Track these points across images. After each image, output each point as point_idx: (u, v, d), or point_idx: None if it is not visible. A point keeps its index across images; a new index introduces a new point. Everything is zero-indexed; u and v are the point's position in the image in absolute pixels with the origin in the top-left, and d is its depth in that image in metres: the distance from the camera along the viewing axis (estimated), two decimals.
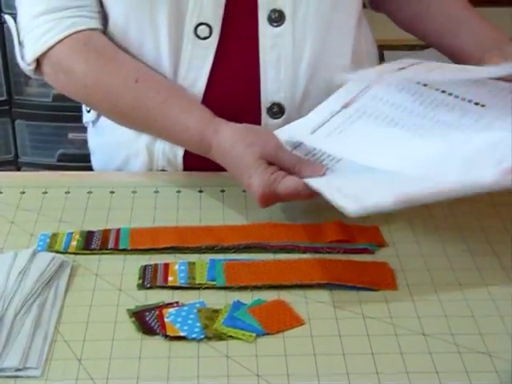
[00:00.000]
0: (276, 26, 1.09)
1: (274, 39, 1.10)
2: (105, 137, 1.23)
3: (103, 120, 1.21)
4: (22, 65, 1.13)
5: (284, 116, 1.13)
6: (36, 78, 1.16)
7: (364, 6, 1.22)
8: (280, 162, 0.99)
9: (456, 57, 1.17)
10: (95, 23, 1.11)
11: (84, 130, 1.34)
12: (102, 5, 1.13)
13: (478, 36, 1.14)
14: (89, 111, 1.24)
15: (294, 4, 1.08)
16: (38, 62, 1.12)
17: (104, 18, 1.14)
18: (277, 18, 1.09)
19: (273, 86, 1.11)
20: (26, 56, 1.12)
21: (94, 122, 1.24)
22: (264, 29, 1.09)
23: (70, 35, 1.09)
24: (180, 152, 1.14)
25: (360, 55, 1.20)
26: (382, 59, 2.04)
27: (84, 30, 1.10)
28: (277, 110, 1.13)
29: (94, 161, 1.29)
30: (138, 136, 1.16)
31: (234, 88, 1.10)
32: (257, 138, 1.01)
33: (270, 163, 0.99)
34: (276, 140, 1.01)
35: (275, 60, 1.10)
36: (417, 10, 1.22)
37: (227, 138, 1.02)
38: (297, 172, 0.99)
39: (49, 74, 1.13)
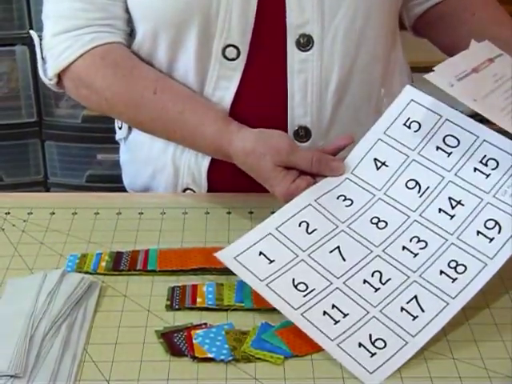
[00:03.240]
0: (304, 51, 1.09)
1: (301, 64, 1.10)
2: (133, 153, 1.25)
3: (133, 136, 1.23)
4: (44, 79, 1.16)
5: (310, 140, 1.13)
6: (58, 91, 1.19)
7: (403, 27, 1.21)
8: (296, 165, 1.00)
9: None
10: (115, 37, 1.13)
11: (112, 150, 1.35)
12: (128, 23, 1.15)
13: None
14: (120, 128, 1.25)
15: (322, 29, 1.09)
16: (60, 76, 1.15)
17: (130, 34, 1.16)
18: (305, 42, 1.09)
19: (299, 110, 1.12)
20: (47, 71, 1.15)
21: (125, 139, 1.26)
22: (292, 53, 1.09)
23: (89, 51, 1.12)
24: (204, 168, 1.15)
25: (391, 80, 1.20)
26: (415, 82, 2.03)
27: (103, 45, 1.12)
28: (303, 134, 1.13)
29: (124, 177, 1.31)
30: (165, 151, 1.17)
31: (260, 110, 1.10)
32: (268, 147, 1.01)
33: (289, 168, 1.00)
34: (287, 144, 1.01)
35: (302, 84, 1.11)
36: (460, 34, 1.20)
37: (240, 150, 1.03)
38: (316, 173, 1.00)
39: (70, 88, 1.16)
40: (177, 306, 0.92)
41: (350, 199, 0.98)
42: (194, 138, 1.09)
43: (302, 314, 0.88)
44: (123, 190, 1.31)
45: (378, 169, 0.99)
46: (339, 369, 0.84)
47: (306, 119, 1.12)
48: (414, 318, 0.86)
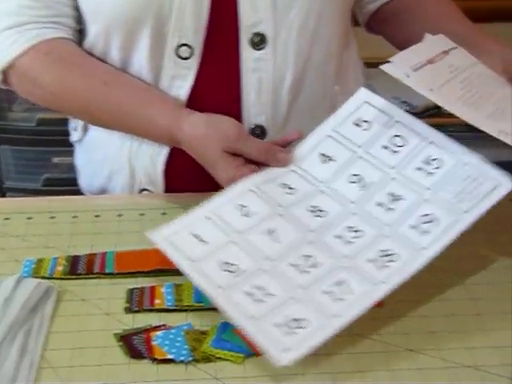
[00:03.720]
0: (258, 50, 1.10)
1: (255, 63, 1.10)
2: (89, 154, 1.24)
3: (89, 137, 1.23)
4: None
5: (266, 138, 1.13)
6: (5, 87, 1.18)
7: (356, 23, 1.22)
8: (243, 153, 1.01)
9: None
10: (61, 33, 1.13)
11: (68, 153, 1.34)
12: (77, 21, 1.14)
13: (478, 50, 1.13)
14: (75, 129, 1.24)
15: (275, 28, 1.09)
16: (6, 73, 1.14)
17: (80, 31, 1.15)
18: (259, 41, 1.09)
19: (255, 108, 1.12)
20: None
21: (81, 140, 1.25)
22: (245, 52, 1.10)
23: (34, 46, 1.11)
24: (160, 168, 1.15)
25: (345, 77, 1.20)
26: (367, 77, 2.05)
27: (48, 40, 1.11)
28: (259, 133, 1.13)
29: (80, 179, 1.30)
30: (120, 152, 1.17)
31: (215, 109, 1.10)
32: (216, 132, 1.01)
33: (236, 154, 1.00)
34: (236, 130, 1.01)
35: (257, 83, 1.11)
36: (414, 31, 1.20)
37: (189, 134, 1.04)
38: (263, 162, 1.01)
39: (16, 84, 1.15)
40: (136, 308, 0.92)
41: (292, 188, 0.98)
42: (147, 126, 1.08)
43: (225, 294, 0.88)
44: (81, 193, 1.30)
45: (323, 163, 1.00)
46: (299, 366, 0.83)
47: (261, 118, 1.12)
48: (338, 299, 0.86)
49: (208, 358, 0.85)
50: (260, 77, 1.11)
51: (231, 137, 1.01)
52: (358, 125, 1.01)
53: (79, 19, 1.14)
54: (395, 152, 0.98)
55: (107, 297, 0.94)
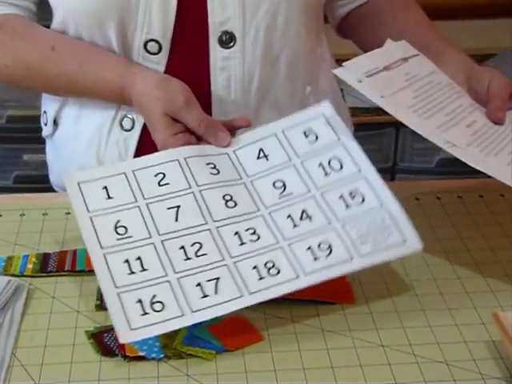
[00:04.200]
0: (226, 48, 1.10)
1: (224, 61, 1.10)
2: (59, 150, 1.24)
3: (59, 133, 1.22)
4: None
5: (235, 136, 1.13)
6: None
7: (328, 21, 1.21)
8: (183, 121, 1.01)
9: None
10: (15, 11, 1.14)
11: (39, 150, 1.33)
12: (37, 5, 1.15)
13: (442, 58, 1.13)
14: (46, 124, 1.24)
15: (244, 26, 1.09)
16: None
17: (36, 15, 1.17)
18: (227, 39, 1.09)
19: (223, 107, 1.12)
20: None
21: (51, 135, 1.24)
22: (214, 50, 1.10)
23: None
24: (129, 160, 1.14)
25: (316, 77, 1.20)
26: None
27: (1, 16, 1.12)
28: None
29: (51, 175, 1.30)
30: (89, 148, 1.17)
31: None
32: (164, 93, 1.02)
33: (176, 120, 1.01)
34: (184, 97, 1.02)
35: (226, 82, 1.11)
36: (382, 37, 1.20)
37: (140, 89, 1.05)
38: (201, 135, 1.01)
39: None
40: (106, 306, 0.91)
41: (217, 170, 0.99)
42: (97, 86, 1.09)
43: (104, 255, 0.89)
44: (52, 190, 1.30)
45: (258, 158, 1.01)
46: (271, 362, 0.84)
47: (230, 116, 1.12)
48: (205, 296, 0.86)
49: (179, 355, 0.85)
50: (229, 76, 1.11)
51: (177, 102, 1.01)
52: (306, 134, 1.01)
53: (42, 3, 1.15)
54: (327, 174, 0.97)
55: (78, 294, 0.94)
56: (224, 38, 1.09)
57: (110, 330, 0.87)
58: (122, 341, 0.82)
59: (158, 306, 0.85)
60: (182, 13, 1.07)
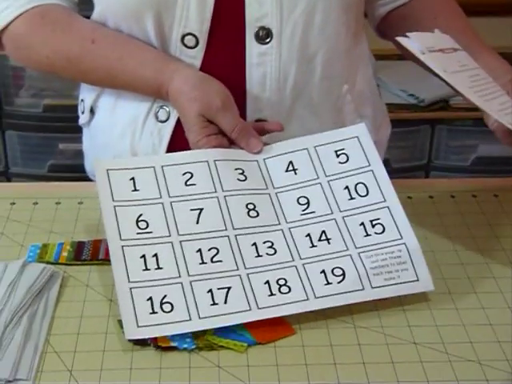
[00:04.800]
0: (263, 44, 1.09)
1: (260, 57, 1.10)
2: (94, 138, 1.25)
3: (95, 121, 1.23)
4: None
5: (268, 134, 1.13)
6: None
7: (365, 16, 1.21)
8: (219, 124, 1.02)
9: None
10: (58, 0, 1.14)
11: (74, 140, 1.34)
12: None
13: (481, 62, 1.12)
14: (83, 112, 1.25)
15: (281, 23, 1.08)
16: (0, 38, 1.15)
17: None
18: (264, 35, 1.09)
19: (258, 103, 1.12)
20: None
21: (88, 124, 1.25)
22: (250, 45, 1.09)
23: (27, 11, 1.12)
24: (162, 153, 1.14)
25: (354, 76, 1.19)
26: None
27: (42, 5, 1.13)
28: None
29: (86, 163, 1.31)
30: (123, 137, 1.17)
31: None
32: (202, 94, 1.03)
33: (211, 122, 1.02)
34: (222, 100, 1.02)
35: (261, 78, 1.10)
36: None
37: (177, 87, 1.05)
38: (233, 139, 1.02)
39: (10, 49, 1.17)
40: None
41: (245, 176, 0.99)
42: (135, 81, 1.09)
43: (122, 246, 0.90)
44: (85, 179, 1.30)
45: (286, 171, 1.00)
46: (302, 356, 0.84)
47: (264, 113, 1.11)
48: (214, 304, 0.87)
49: (211, 347, 0.85)
50: (264, 72, 1.10)
51: (214, 105, 1.02)
52: (337, 154, 1.01)
53: None
54: (352, 198, 0.97)
55: (111, 283, 0.94)
56: (260, 34, 1.09)
57: None
58: (128, 337, 0.84)
59: (167, 307, 0.86)
60: (220, 7, 1.07)
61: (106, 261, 0.97)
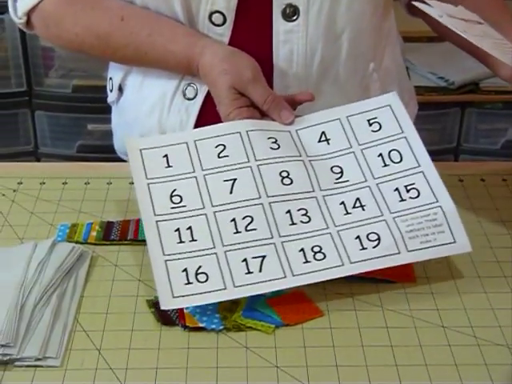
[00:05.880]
0: (290, 21, 1.09)
1: (287, 34, 1.09)
2: (122, 116, 1.26)
3: (123, 99, 1.24)
4: (15, 19, 1.17)
5: (295, 110, 1.12)
6: (29, 32, 1.20)
7: None
8: (250, 96, 1.02)
9: (487, 65, 1.13)
10: None
11: (103, 120, 1.35)
12: None
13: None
14: (111, 90, 1.25)
15: (308, 0, 1.08)
16: (30, 16, 1.16)
17: None
18: (291, 12, 1.09)
19: (285, 80, 1.11)
20: (17, 11, 1.16)
21: (116, 102, 1.26)
22: (277, 23, 1.09)
23: None
24: (190, 130, 1.15)
25: (381, 54, 1.19)
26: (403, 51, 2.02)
27: None
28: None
29: (115, 141, 1.32)
30: (151, 114, 1.17)
31: None
32: (232, 67, 1.03)
33: (242, 94, 1.02)
34: (253, 72, 1.03)
35: (288, 55, 1.10)
36: None
37: (207, 62, 1.06)
38: (265, 111, 1.02)
39: (39, 27, 1.17)
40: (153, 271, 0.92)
41: (278, 144, 0.98)
42: (165, 57, 1.10)
43: (157, 222, 0.90)
44: (114, 159, 1.31)
45: (319, 141, 1.00)
46: (330, 338, 0.84)
47: (291, 90, 1.11)
48: (249, 272, 0.87)
49: (239, 327, 0.85)
50: (291, 49, 1.10)
51: (245, 77, 1.02)
52: (370, 123, 1.01)
53: None
54: (386, 165, 0.97)
55: (140, 264, 0.95)
56: (287, 11, 1.09)
57: None
58: (163, 307, 0.84)
59: (202, 277, 0.86)
60: None
61: (135, 241, 0.98)
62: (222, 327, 0.85)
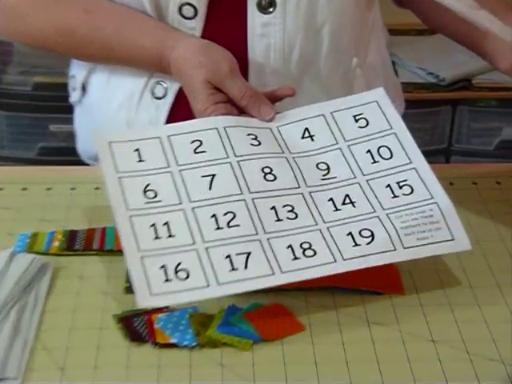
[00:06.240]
0: (266, 14, 1.09)
1: (263, 27, 1.10)
2: (88, 116, 1.26)
3: (87, 99, 1.24)
4: None
5: (279, 102, 1.13)
6: None
7: None
8: (227, 91, 1.02)
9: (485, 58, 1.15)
10: None
11: (67, 120, 1.34)
12: None
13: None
14: (74, 89, 1.25)
15: None
16: None
17: None
18: (267, 4, 1.09)
19: (262, 77, 1.12)
20: None
21: (79, 102, 1.25)
22: (253, 15, 1.10)
23: None
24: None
25: (365, 48, 1.20)
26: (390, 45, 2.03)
27: None
28: None
29: (78, 143, 1.31)
30: (118, 114, 1.18)
31: None
32: (207, 59, 1.03)
33: (218, 89, 1.02)
34: (229, 66, 1.03)
35: (264, 50, 1.11)
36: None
37: (180, 55, 1.05)
38: (243, 107, 1.02)
39: (2, 23, 1.17)
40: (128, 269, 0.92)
41: (258, 141, 0.99)
42: (134, 52, 1.10)
43: (130, 217, 0.90)
44: (78, 163, 1.31)
45: (303, 138, 1.01)
46: (312, 353, 0.84)
47: (268, 88, 1.11)
48: (233, 269, 0.87)
49: (214, 344, 0.85)
50: (268, 43, 1.11)
51: (221, 70, 1.02)
52: (356, 119, 1.02)
53: None
54: (375, 162, 0.98)
55: (106, 275, 0.95)
56: (263, 3, 1.09)
57: (139, 314, 0.88)
58: (140, 304, 0.84)
59: (182, 274, 0.86)
60: None
61: (101, 251, 0.98)
62: (195, 343, 0.85)
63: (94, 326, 0.88)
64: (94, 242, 0.99)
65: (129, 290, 0.92)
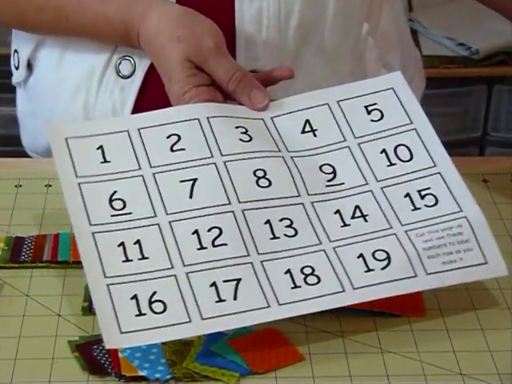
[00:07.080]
0: None
1: None
2: (35, 103, 1.25)
3: (34, 80, 1.24)
4: None
5: (273, 86, 1.13)
6: None
7: None
8: (212, 72, 1.02)
9: None
10: None
11: (8, 101, 1.34)
12: None
13: None
14: (17, 68, 1.25)
15: None
16: None
17: None
18: None
19: (252, 50, 1.12)
20: None
21: (25, 83, 1.25)
22: None
23: None
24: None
25: (378, 12, 1.20)
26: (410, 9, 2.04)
27: None
28: None
29: (23, 134, 1.31)
30: (74, 99, 1.18)
31: None
32: (187, 32, 1.02)
33: (200, 69, 1.01)
34: (215, 42, 1.02)
35: (255, 16, 1.11)
36: None
37: (153, 26, 1.05)
38: (231, 92, 1.01)
39: None
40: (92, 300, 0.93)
41: (249, 136, 0.99)
42: (94, 22, 1.09)
43: (93, 233, 0.90)
44: (24, 155, 1.31)
45: (303, 132, 1.02)
46: None
47: (261, 62, 1.12)
48: (220, 300, 0.87)
49: (192, 377, 0.86)
50: (260, 8, 1.11)
51: (205, 46, 1.02)
52: (368, 110, 1.03)
53: None
54: (392, 164, 0.99)
55: (60, 293, 0.95)
56: None
57: (100, 340, 0.88)
58: (108, 346, 0.84)
59: (158, 307, 0.87)
60: None
61: (53, 263, 0.99)
62: (169, 376, 0.86)
63: (45, 355, 0.88)
64: (45, 251, 1.00)
65: (87, 310, 0.93)
